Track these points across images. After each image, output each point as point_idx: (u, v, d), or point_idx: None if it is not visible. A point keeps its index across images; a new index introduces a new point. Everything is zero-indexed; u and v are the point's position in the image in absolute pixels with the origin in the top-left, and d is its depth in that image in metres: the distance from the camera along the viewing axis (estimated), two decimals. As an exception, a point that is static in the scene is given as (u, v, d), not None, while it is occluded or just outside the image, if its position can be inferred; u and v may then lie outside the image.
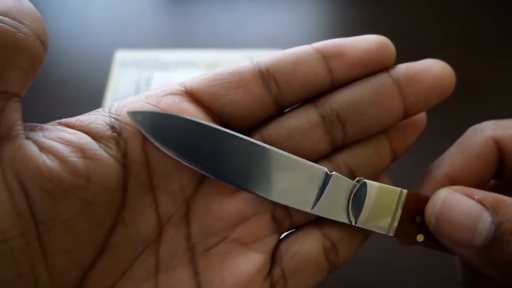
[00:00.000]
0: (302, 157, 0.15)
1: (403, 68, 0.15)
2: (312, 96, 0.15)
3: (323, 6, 0.47)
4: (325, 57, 0.15)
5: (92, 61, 0.43)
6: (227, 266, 0.15)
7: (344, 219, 0.15)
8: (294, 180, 0.14)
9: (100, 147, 0.14)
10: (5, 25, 0.12)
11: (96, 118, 0.14)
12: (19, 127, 0.13)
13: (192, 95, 0.15)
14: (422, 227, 0.14)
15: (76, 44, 0.43)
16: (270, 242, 0.15)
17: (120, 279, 0.14)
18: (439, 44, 0.44)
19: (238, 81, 0.15)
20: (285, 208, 0.15)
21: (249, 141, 0.14)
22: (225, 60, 0.44)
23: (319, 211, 0.15)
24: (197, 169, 0.14)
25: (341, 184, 0.15)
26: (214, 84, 0.15)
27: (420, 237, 0.14)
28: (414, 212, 0.14)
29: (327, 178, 0.15)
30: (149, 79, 0.42)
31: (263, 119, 0.15)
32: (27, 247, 0.13)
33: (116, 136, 0.14)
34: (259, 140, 0.15)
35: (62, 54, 0.42)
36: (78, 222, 0.13)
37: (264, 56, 0.15)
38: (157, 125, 0.14)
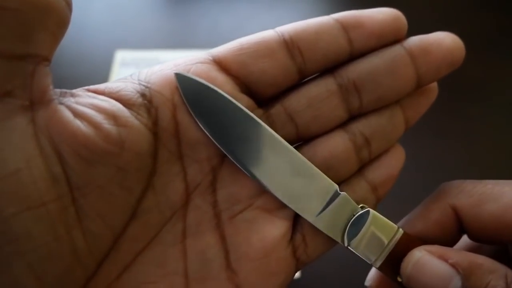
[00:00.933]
0: (321, 123, 0.15)
1: (416, 40, 0.16)
2: (332, 65, 0.16)
3: (323, 6, 0.47)
4: (345, 27, 0.15)
5: (92, 61, 0.43)
6: (254, 232, 0.15)
7: (338, 239, 0.15)
8: (307, 188, 0.15)
9: (132, 114, 0.14)
10: None
11: (126, 86, 0.14)
12: (51, 92, 0.13)
13: (220, 64, 0.15)
14: None
15: (76, 44, 0.43)
16: (291, 209, 0.16)
17: (150, 243, 0.15)
18: (439, 44, 0.44)
19: (264, 50, 0.15)
20: None
21: (278, 139, 0.15)
22: (225, 60, 0.44)
23: (318, 223, 0.15)
24: (220, 147, 0.15)
25: (346, 205, 0.15)
26: (241, 53, 0.15)
27: (399, 278, 0.15)
28: (402, 252, 0.15)
29: (335, 195, 0.15)
30: (149, 79, 0.42)
31: (286, 87, 0.16)
32: (63, 211, 0.13)
33: (147, 103, 0.14)
34: (281, 110, 0.15)
35: (62, 54, 0.42)
36: (112, 187, 0.14)
37: (287, 26, 0.15)
38: (198, 95, 0.14)
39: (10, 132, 0.12)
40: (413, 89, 0.16)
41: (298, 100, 0.16)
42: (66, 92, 0.14)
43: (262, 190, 0.15)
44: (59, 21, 0.13)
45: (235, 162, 0.15)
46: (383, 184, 0.16)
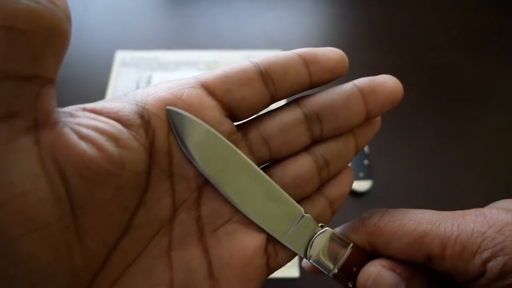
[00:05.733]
0: (290, 147, 0.18)
1: (367, 80, 0.19)
2: (295, 94, 0.18)
3: (323, 6, 0.47)
4: (306, 62, 0.18)
5: (92, 61, 0.43)
6: (235, 243, 0.17)
7: (301, 253, 0.18)
8: (278, 212, 0.17)
9: (131, 135, 0.15)
10: (42, 7, 0.12)
11: (124, 106, 0.15)
12: (56, 114, 0.13)
13: (208, 89, 0.17)
14: (354, 276, 0.18)
15: (77, 44, 0.43)
16: None
17: (138, 256, 0.16)
18: (439, 44, 0.44)
19: (245, 79, 0.17)
20: None
21: (255, 169, 0.17)
22: (225, 60, 0.44)
23: (286, 241, 0.17)
24: (205, 176, 0.16)
25: (309, 225, 0.18)
26: (226, 80, 0.17)
27: (350, 283, 0.18)
28: (352, 263, 0.18)
29: (301, 217, 0.17)
30: (149, 79, 0.42)
31: (260, 112, 0.18)
32: (65, 230, 0.13)
33: (145, 124, 0.15)
34: (257, 134, 0.18)
35: (62, 54, 0.42)
36: (110, 205, 0.14)
37: (260, 58, 0.18)
38: (187, 129, 0.16)
39: (16, 154, 0.12)
40: (363, 121, 0.19)
41: (272, 126, 0.18)
42: (64, 112, 0.14)
43: None
44: (64, 41, 0.13)
45: (217, 189, 0.16)
46: (338, 200, 0.19)
